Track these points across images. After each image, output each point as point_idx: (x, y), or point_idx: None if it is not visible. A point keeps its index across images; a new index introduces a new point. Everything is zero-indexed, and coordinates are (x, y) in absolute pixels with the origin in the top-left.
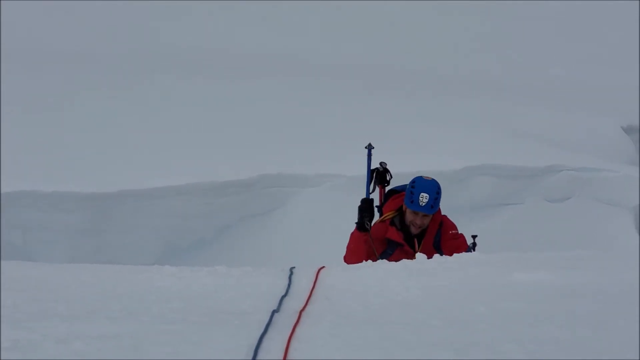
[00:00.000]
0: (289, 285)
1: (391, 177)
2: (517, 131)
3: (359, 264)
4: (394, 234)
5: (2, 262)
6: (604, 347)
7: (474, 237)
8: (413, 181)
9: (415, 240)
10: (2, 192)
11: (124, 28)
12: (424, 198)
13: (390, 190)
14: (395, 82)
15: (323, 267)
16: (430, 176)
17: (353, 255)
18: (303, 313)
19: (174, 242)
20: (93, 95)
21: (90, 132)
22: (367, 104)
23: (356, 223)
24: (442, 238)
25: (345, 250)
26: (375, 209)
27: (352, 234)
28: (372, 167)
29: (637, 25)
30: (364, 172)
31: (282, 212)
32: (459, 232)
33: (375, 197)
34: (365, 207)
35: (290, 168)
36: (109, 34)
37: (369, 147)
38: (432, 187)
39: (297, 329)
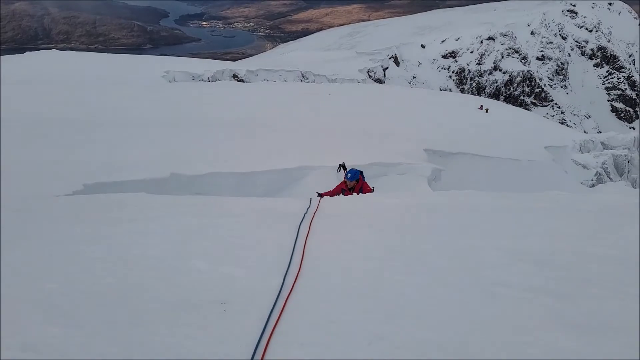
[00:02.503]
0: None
1: (346, 168)
2: None
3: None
4: (345, 189)
5: None
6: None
7: (373, 187)
8: (349, 171)
9: (352, 191)
10: None
11: None
12: (347, 175)
13: (348, 171)
14: None
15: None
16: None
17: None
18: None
19: None
20: None
21: None
22: None
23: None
24: (362, 192)
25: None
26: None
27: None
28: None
29: None
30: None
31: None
32: (371, 188)
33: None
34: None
35: None
36: None
37: (343, 166)
38: (353, 173)
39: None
